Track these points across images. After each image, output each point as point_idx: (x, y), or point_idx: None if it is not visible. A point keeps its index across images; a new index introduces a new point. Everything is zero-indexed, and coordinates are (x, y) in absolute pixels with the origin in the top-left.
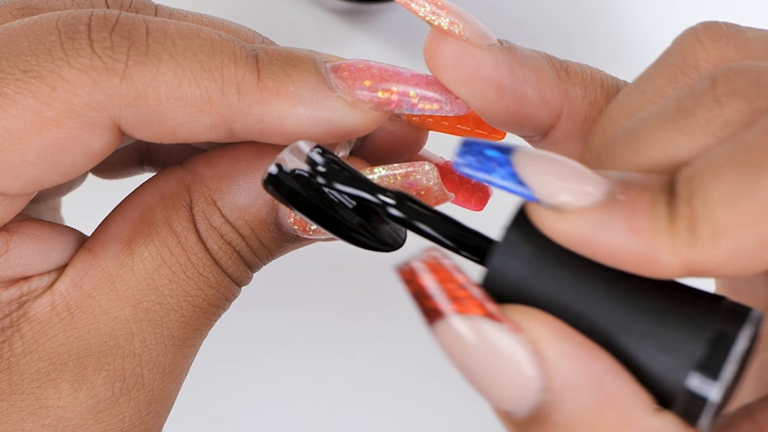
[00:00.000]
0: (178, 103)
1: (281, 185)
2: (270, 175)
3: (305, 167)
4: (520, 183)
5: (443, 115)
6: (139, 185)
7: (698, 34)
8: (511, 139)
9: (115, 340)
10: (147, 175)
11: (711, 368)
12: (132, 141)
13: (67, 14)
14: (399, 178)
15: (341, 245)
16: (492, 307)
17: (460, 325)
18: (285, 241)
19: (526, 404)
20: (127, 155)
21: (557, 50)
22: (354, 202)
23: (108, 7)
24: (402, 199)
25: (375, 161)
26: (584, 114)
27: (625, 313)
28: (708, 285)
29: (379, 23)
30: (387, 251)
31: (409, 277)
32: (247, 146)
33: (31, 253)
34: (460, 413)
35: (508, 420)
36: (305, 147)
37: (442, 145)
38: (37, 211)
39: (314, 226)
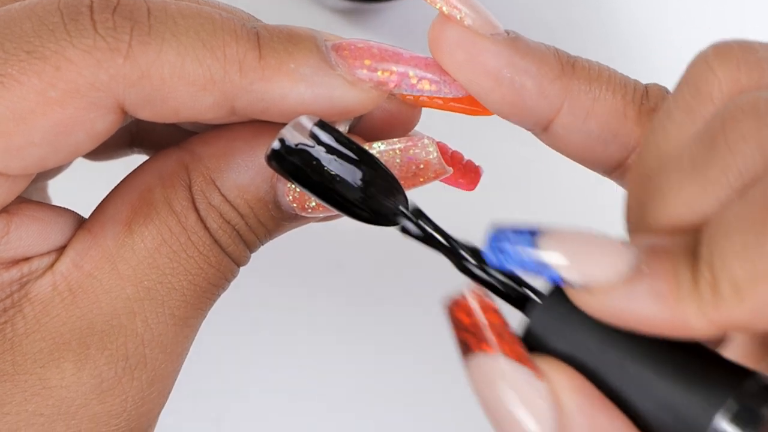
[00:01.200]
0: (181, 82)
1: (284, 160)
2: (273, 151)
3: (309, 142)
4: (548, 268)
5: (441, 96)
6: (136, 167)
7: (709, 61)
8: (510, 130)
9: (117, 319)
10: (138, 158)
11: None
12: (126, 122)
13: None
14: (398, 153)
15: (342, 243)
16: (523, 352)
17: (490, 363)
18: (283, 219)
19: None
20: (117, 137)
21: (573, 49)
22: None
23: None
24: (474, 251)
25: (369, 139)
26: (587, 109)
27: (650, 379)
28: None
29: (379, 23)
30: (387, 225)
31: (453, 308)
32: (245, 125)
33: (32, 234)
34: (462, 411)
35: None
36: (307, 122)
37: (434, 126)
38: (25, 191)
39: (313, 204)
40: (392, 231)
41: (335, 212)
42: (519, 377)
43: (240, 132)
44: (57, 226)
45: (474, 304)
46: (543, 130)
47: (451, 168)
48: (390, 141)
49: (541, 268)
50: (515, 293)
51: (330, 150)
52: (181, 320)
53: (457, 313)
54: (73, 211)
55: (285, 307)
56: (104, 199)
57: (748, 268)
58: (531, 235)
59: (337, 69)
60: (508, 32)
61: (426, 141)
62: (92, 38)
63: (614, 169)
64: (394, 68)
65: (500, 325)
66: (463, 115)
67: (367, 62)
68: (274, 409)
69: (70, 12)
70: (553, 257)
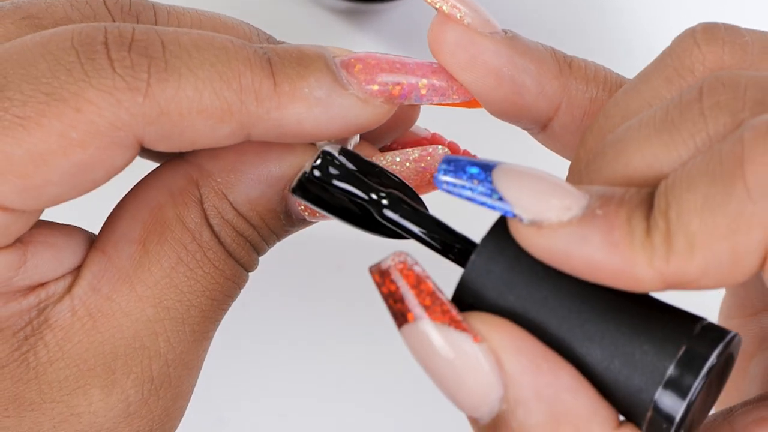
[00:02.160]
0: (199, 116)
1: (309, 192)
2: (299, 183)
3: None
4: (500, 199)
5: (449, 102)
6: (140, 180)
7: (696, 36)
8: (505, 129)
9: (139, 341)
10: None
11: (681, 387)
12: None
13: (81, 31)
14: (413, 163)
15: (343, 246)
16: (457, 315)
17: (424, 330)
18: (293, 225)
19: (487, 412)
20: None
21: (568, 48)
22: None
23: (107, 8)
24: (396, 199)
25: (372, 138)
26: (584, 108)
27: (597, 327)
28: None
29: (379, 23)
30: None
31: (380, 279)
32: None
33: (46, 260)
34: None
35: (474, 424)
36: (333, 153)
37: (430, 117)
38: None
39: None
40: None
41: None
42: (453, 343)
43: (248, 144)
44: (69, 248)
45: (395, 271)
46: (541, 129)
47: None
48: (405, 151)
49: (492, 197)
50: (456, 246)
51: (322, 171)
52: (200, 335)
53: (386, 280)
54: (82, 230)
55: (284, 309)
56: (112, 216)
57: (706, 223)
58: (485, 167)
59: (349, 88)
60: (505, 31)
61: (440, 151)
62: (111, 78)
63: None
64: (404, 80)
65: (431, 289)
66: (461, 108)
67: (378, 78)
68: (275, 410)
69: (85, 50)
70: (506, 189)
